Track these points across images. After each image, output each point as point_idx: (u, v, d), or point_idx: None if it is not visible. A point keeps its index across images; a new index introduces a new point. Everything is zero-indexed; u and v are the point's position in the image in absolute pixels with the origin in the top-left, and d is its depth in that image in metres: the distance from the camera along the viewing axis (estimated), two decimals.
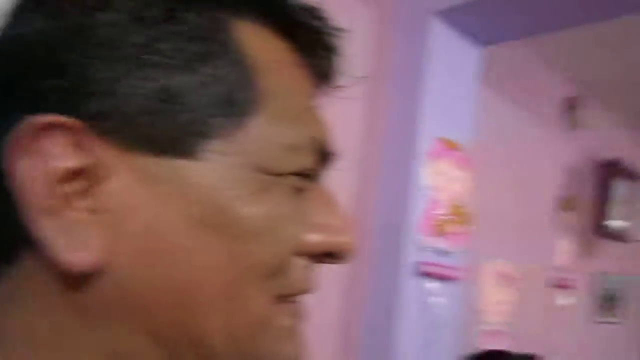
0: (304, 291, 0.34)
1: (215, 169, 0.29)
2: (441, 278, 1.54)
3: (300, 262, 0.33)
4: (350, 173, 1.59)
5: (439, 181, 1.55)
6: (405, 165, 1.53)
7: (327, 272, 1.41)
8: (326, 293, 1.52)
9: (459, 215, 1.60)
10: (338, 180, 1.58)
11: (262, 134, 0.30)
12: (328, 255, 0.35)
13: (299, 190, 0.33)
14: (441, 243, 1.55)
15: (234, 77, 0.30)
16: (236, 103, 0.30)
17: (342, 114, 1.57)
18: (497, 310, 2.15)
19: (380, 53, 1.64)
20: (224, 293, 0.30)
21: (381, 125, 1.60)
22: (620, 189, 2.97)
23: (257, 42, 0.32)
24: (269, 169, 0.30)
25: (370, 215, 1.57)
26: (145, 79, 0.28)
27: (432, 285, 1.53)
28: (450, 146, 1.59)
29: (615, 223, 2.97)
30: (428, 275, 1.51)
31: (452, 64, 1.62)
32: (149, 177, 0.28)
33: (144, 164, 0.28)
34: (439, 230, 1.54)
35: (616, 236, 3.00)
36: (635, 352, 3.51)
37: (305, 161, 0.32)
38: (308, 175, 0.33)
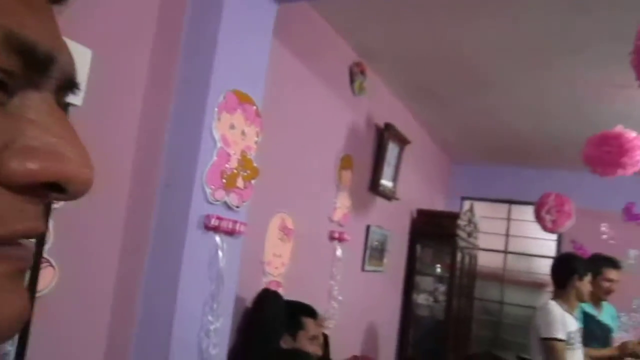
0: (18, 233, 0.26)
1: None
2: (228, 232, 1.55)
3: (5, 196, 0.25)
4: (136, 122, 1.48)
5: (229, 134, 1.54)
6: (196, 116, 1.48)
7: (105, 222, 1.30)
8: (104, 244, 1.42)
9: (248, 169, 1.61)
10: (121, 128, 1.45)
11: None
12: (49, 188, 0.27)
13: None
14: (229, 197, 1.55)
15: None
16: None
17: (127, 59, 1.45)
18: (279, 262, 2.26)
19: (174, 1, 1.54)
20: None
21: (172, 74, 1.52)
22: (391, 151, 3.33)
23: None
24: None
25: (158, 166, 1.49)
26: None
27: (219, 238, 1.53)
28: (242, 99, 1.58)
29: (385, 182, 3.33)
30: (215, 229, 1.50)
31: (247, 18, 1.60)
32: None
33: None
34: (227, 184, 1.53)
35: (386, 194, 3.37)
36: (395, 295, 4.05)
37: None
38: (4, 82, 0.26)
